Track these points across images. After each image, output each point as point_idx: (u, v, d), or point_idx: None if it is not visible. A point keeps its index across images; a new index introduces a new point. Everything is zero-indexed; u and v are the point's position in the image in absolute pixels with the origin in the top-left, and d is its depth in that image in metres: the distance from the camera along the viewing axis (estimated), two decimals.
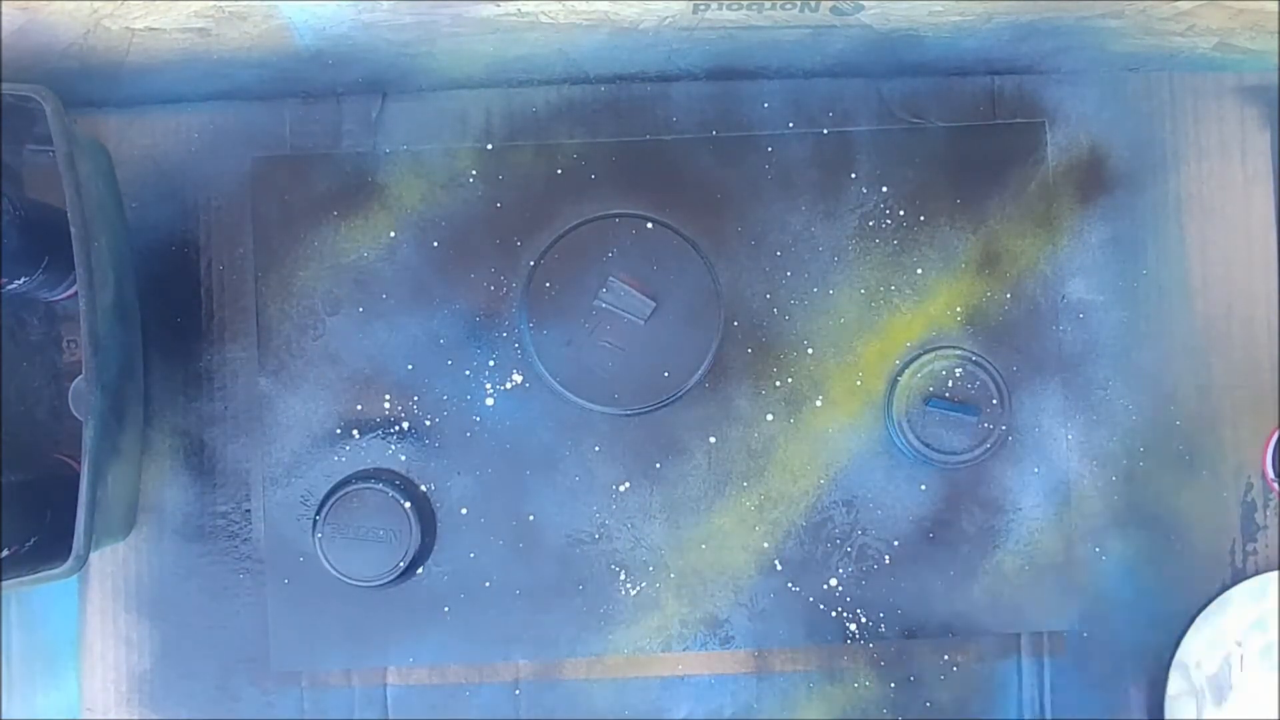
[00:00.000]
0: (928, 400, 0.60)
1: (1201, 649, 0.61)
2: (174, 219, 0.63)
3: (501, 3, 0.53)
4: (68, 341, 0.62)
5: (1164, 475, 0.63)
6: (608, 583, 0.61)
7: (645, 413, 0.61)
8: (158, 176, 0.63)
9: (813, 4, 0.54)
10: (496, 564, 0.60)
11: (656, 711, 0.62)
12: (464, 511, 0.61)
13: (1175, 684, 0.61)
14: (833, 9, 0.54)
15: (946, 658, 0.62)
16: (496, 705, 0.62)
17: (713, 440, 0.61)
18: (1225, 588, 0.62)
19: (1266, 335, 0.63)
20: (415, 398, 0.61)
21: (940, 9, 0.54)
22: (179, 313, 0.63)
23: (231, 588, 0.62)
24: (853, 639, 0.61)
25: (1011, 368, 0.61)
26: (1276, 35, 0.58)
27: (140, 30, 0.54)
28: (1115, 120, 0.64)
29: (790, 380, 0.61)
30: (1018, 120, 0.63)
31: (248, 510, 0.62)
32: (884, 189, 0.62)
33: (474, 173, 0.61)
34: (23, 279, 0.55)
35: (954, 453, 0.60)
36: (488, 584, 0.60)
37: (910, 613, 0.61)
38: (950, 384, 0.60)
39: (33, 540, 0.55)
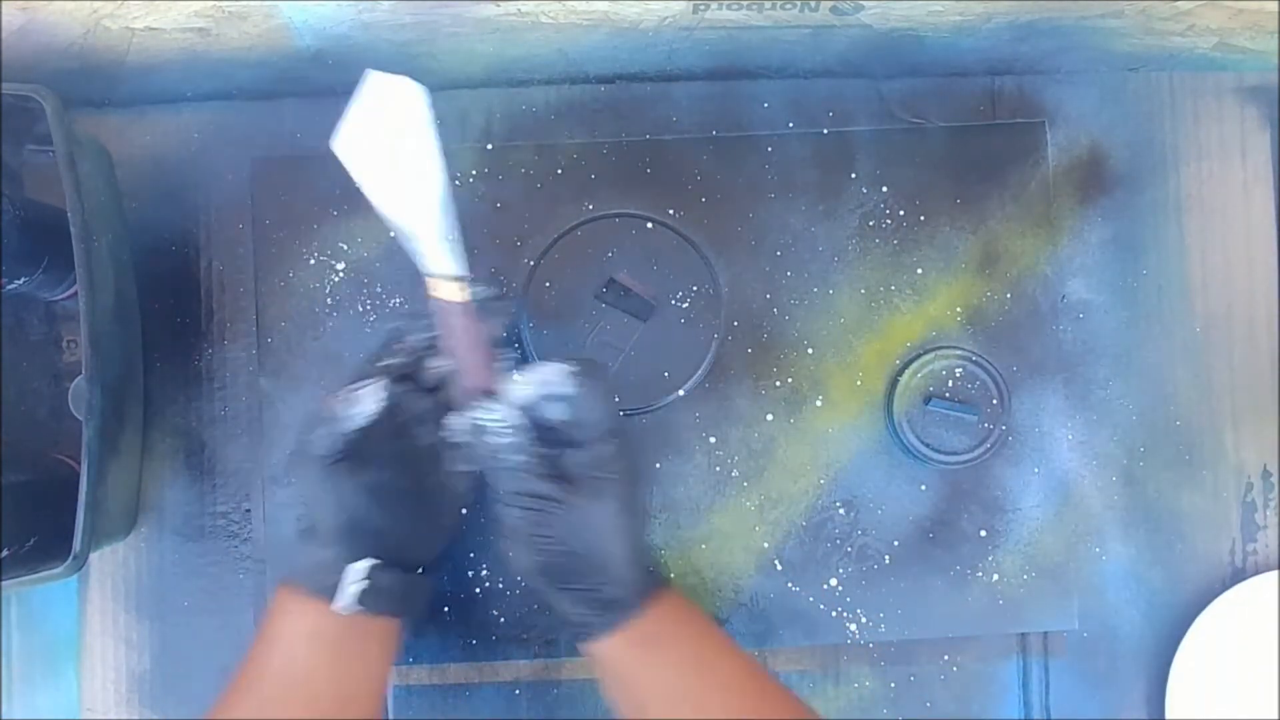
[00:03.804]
0: (928, 400, 0.60)
1: (1201, 649, 0.61)
2: (174, 219, 0.63)
3: (501, 3, 0.53)
4: (68, 341, 0.62)
5: (1164, 475, 0.63)
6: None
7: (645, 413, 0.61)
8: (158, 176, 0.63)
9: (813, 4, 0.54)
10: (496, 564, 0.60)
11: None
12: (464, 511, 0.61)
13: (1175, 684, 0.61)
14: (833, 9, 0.54)
15: (946, 658, 0.62)
16: (496, 705, 0.62)
17: (713, 440, 0.61)
18: (1225, 588, 0.62)
19: (1266, 335, 0.63)
20: None
21: (940, 9, 0.54)
22: (179, 313, 0.63)
23: (231, 588, 0.62)
24: (853, 639, 0.61)
25: (1011, 368, 0.61)
26: (1276, 35, 0.58)
27: (140, 30, 0.54)
28: (1115, 120, 0.64)
29: (790, 380, 0.61)
30: (1018, 120, 0.63)
31: (248, 510, 0.62)
32: (884, 189, 0.62)
33: (474, 173, 0.61)
34: (23, 279, 0.55)
35: (954, 453, 0.60)
36: (488, 584, 0.60)
37: (910, 613, 0.61)
38: (950, 384, 0.60)
39: (33, 540, 0.55)
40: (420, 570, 0.49)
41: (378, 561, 0.47)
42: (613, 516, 0.46)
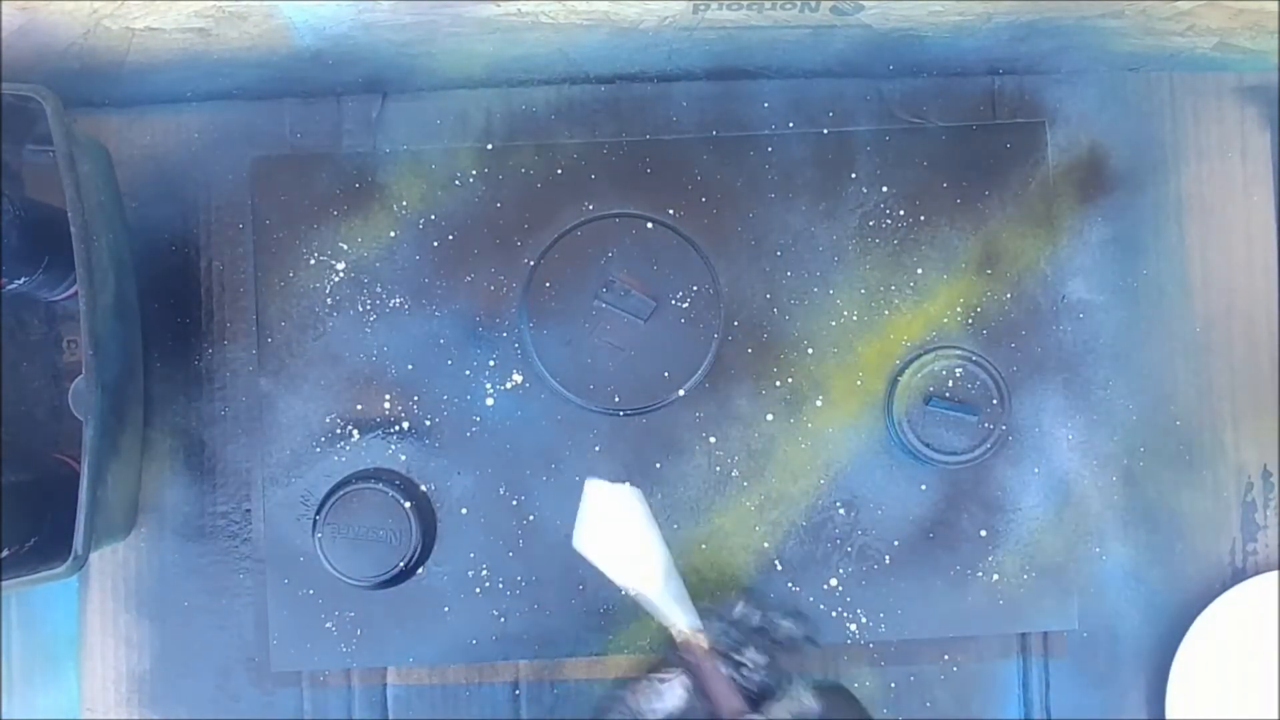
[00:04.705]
0: (928, 400, 0.60)
1: (1201, 649, 0.61)
2: (174, 219, 0.63)
3: (501, 3, 0.53)
4: (68, 341, 0.62)
5: (1164, 475, 0.63)
6: (608, 583, 0.61)
7: (645, 413, 0.61)
8: (158, 176, 0.63)
9: (813, 4, 0.54)
10: (496, 564, 0.60)
11: None
12: (464, 511, 0.61)
13: (1175, 684, 0.61)
14: (833, 9, 0.54)
15: (946, 658, 0.62)
16: (496, 705, 0.62)
17: (713, 440, 0.61)
18: (1225, 588, 0.62)
19: (1266, 335, 0.63)
20: (415, 398, 0.61)
21: (940, 9, 0.54)
22: (179, 313, 0.63)
23: (231, 588, 0.62)
24: (853, 639, 0.61)
25: (1011, 368, 0.61)
26: (1276, 35, 0.58)
27: (140, 30, 0.54)
28: (1115, 120, 0.64)
29: (790, 380, 0.61)
30: (1018, 120, 0.63)
31: (248, 510, 0.62)
32: (884, 189, 0.62)
33: (474, 173, 0.61)
34: (23, 279, 0.55)
35: (954, 453, 0.60)
36: (488, 584, 0.60)
37: (910, 613, 0.61)
38: (950, 384, 0.60)
39: (33, 540, 0.55)
40: None
41: None
42: None
